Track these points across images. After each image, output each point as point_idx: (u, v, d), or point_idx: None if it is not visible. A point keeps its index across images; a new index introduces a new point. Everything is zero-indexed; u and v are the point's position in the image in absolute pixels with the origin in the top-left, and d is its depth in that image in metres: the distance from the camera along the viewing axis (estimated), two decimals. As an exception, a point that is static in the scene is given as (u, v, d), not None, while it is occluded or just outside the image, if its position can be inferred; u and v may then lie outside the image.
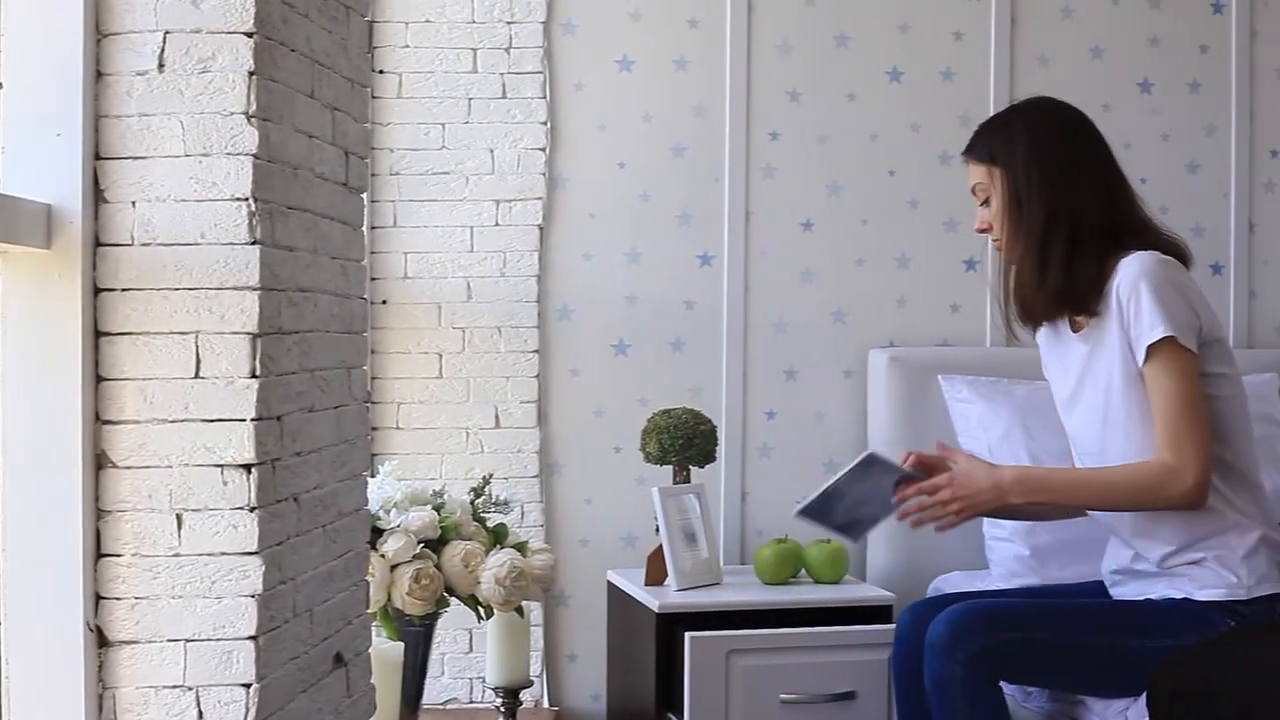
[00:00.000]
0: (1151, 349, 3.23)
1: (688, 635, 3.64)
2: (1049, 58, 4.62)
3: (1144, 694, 3.21)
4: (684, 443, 3.95)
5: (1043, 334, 3.53)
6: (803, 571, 4.06)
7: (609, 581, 4.17)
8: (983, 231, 3.48)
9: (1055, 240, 3.35)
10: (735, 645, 3.67)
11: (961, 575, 4.17)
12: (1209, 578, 3.30)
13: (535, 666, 4.22)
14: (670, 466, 4.00)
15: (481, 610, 3.64)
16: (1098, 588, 3.56)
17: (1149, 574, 3.38)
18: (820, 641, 3.72)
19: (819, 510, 3.32)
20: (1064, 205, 3.36)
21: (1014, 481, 3.29)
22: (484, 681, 4.05)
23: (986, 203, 3.46)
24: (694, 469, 4.02)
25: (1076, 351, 3.42)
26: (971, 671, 3.19)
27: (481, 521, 3.73)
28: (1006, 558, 4.04)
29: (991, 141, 3.46)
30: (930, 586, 4.18)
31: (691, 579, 3.89)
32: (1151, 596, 3.36)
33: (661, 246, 4.41)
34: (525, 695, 3.93)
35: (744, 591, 3.93)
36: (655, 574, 3.93)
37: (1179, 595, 3.32)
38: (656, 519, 3.88)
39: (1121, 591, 3.46)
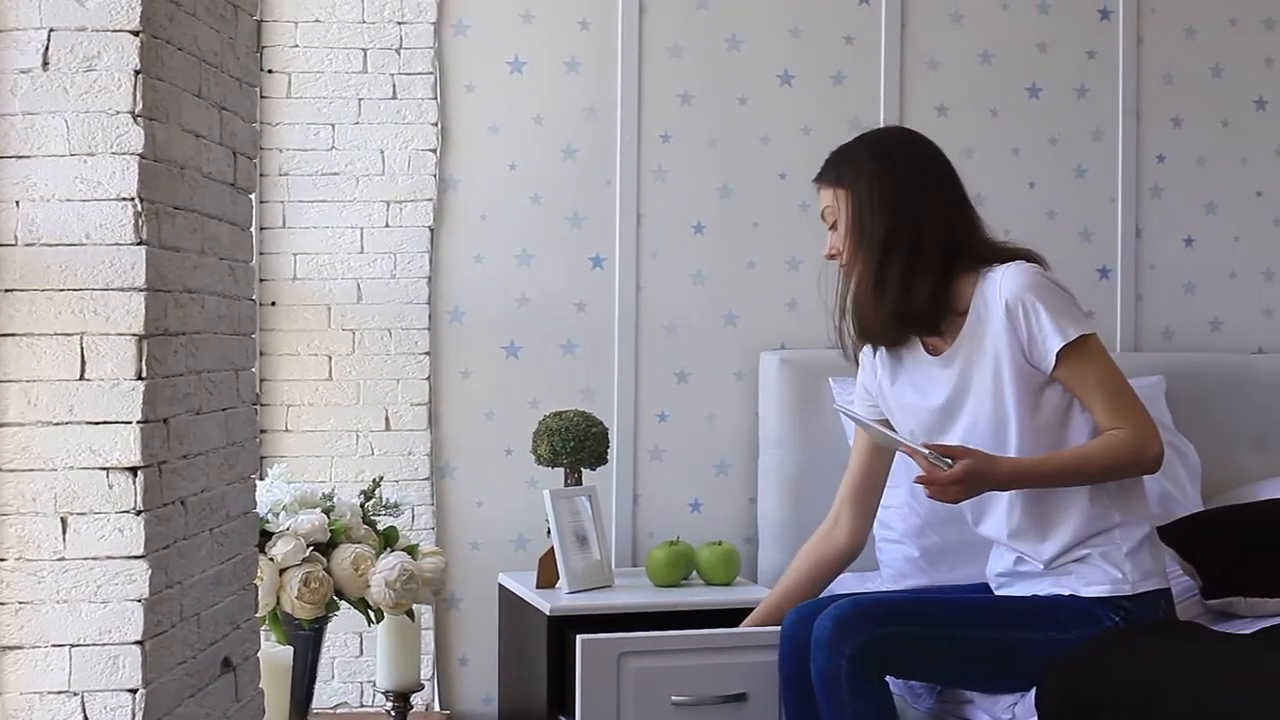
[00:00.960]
0: (1064, 350, 3.29)
1: (579, 638, 3.63)
2: (939, 62, 4.65)
3: (1030, 692, 3.24)
4: (575, 445, 3.94)
5: (881, 360, 3.57)
6: (694, 574, 4.06)
7: (500, 584, 4.16)
8: (831, 258, 3.54)
9: (894, 259, 3.39)
10: (626, 648, 3.66)
11: (852, 576, 4.18)
12: (1094, 574, 3.34)
13: (426, 670, 4.20)
14: (562, 469, 3.99)
15: (372, 614, 3.63)
16: (985, 589, 3.59)
17: (1034, 574, 3.41)
18: (711, 644, 3.71)
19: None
20: (904, 225, 3.40)
21: (1008, 478, 3.32)
22: (374, 685, 4.04)
23: (835, 227, 3.51)
24: (586, 471, 4.01)
25: (936, 376, 3.45)
26: (857, 665, 3.21)
27: (372, 524, 3.71)
28: (896, 559, 4.06)
29: (839, 165, 3.54)
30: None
31: (583, 581, 3.89)
32: (1038, 594, 3.40)
33: (553, 248, 4.41)
34: (416, 699, 3.92)
35: (636, 594, 3.93)
36: (546, 576, 3.92)
37: (1065, 593, 3.36)
38: (548, 521, 3.88)
39: (1007, 592, 3.49)
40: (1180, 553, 3.73)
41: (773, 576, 4.29)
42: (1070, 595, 3.35)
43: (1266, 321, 4.93)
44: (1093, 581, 3.34)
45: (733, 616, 3.83)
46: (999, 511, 3.41)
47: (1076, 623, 3.30)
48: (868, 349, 3.57)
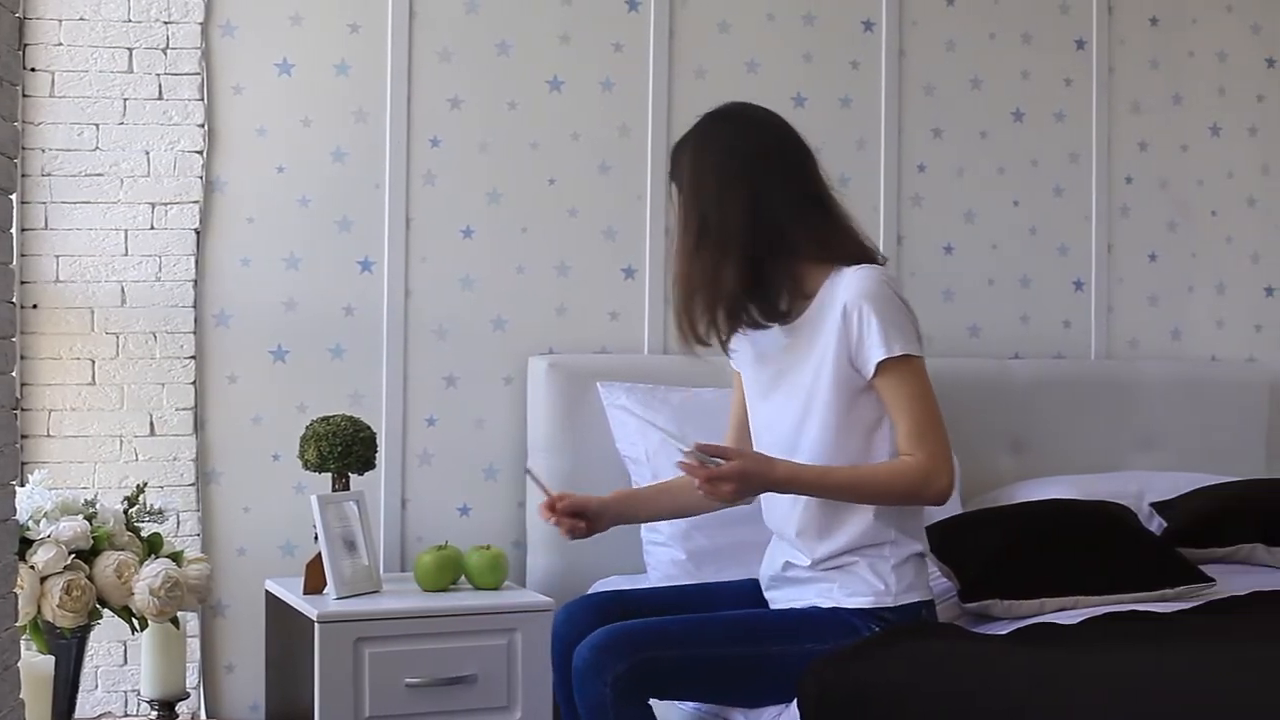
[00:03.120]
0: (885, 362, 3.33)
1: (316, 625, 3.68)
2: (706, 70, 4.70)
3: (793, 703, 3.29)
4: (343, 450, 3.92)
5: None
6: (463, 578, 4.06)
7: (267, 590, 4.12)
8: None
9: (702, 251, 3.39)
10: (363, 633, 3.72)
11: (621, 579, 4.23)
12: (857, 585, 3.40)
13: (192, 678, 4.15)
14: (329, 474, 3.97)
15: (136, 622, 3.59)
16: (752, 585, 3.63)
17: (800, 580, 3.46)
18: (443, 628, 3.80)
19: None
20: (719, 216, 3.39)
21: (783, 481, 3.33)
22: (139, 694, 3.99)
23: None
24: (353, 476, 4.00)
25: (776, 341, 3.49)
26: (619, 691, 3.24)
27: (135, 531, 3.67)
28: (664, 562, 4.10)
29: (674, 161, 3.53)
30: (590, 590, 4.23)
31: (351, 587, 3.87)
32: (798, 605, 3.45)
33: (321, 252, 4.38)
34: (182, 707, 3.87)
35: (404, 599, 3.92)
36: (314, 582, 3.90)
37: (827, 604, 3.41)
38: (315, 527, 3.86)
39: (774, 597, 3.54)
40: (939, 556, 3.81)
41: (542, 580, 4.32)
42: (832, 608, 3.41)
43: (1023, 327, 5.07)
44: (856, 592, 3.40)
45: (501, 620, 3.85)
46: (787, 504, 3.46)
47: (836, 634, 3.35)
48: None
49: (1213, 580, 3.94)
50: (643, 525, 4.16)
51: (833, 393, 3.39)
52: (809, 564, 3.44)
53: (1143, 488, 4.63)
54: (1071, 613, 3.69)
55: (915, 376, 3.38)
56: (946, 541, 3.86)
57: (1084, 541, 3.94)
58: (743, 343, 3.57)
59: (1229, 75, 5.37)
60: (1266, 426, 5.26)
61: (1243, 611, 3.70)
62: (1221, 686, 2.79)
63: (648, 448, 4.18)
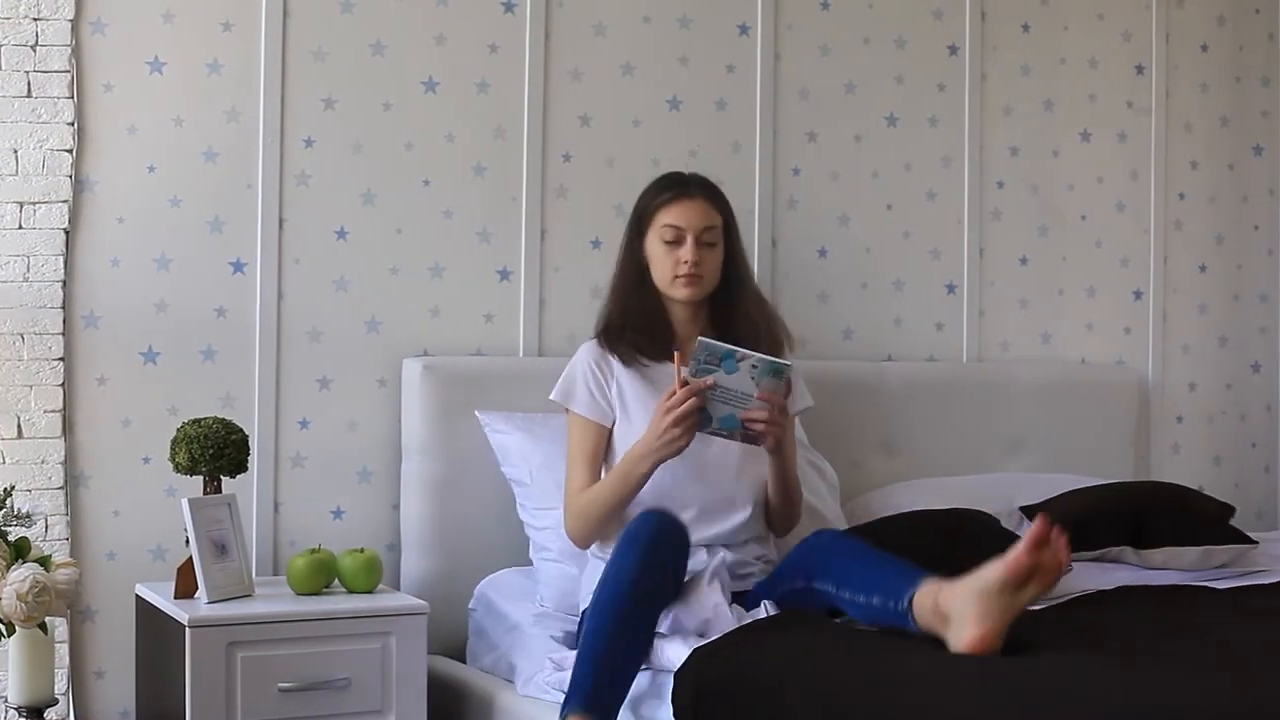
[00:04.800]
0: (799, 411, 4.11)
1: (188, 629, 3.66)
2: (582, 72, 4.70)
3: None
4: (215, 452, 3.89)
5: (625, 374, 3.98)
6: (336, 581, 4.04)
7: (138, 595, 4.08)
8: (693, 265, 3.96)
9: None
10: (234, 638, 3.71)
11: (513, 572, 4.23)
12: None
13: (61, 684, 4.10)
14: (201, 477, 3.94)
15: (3, 628, 3.54)
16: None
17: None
18: (317, 632, 3.80)
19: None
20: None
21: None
22: (6, 701, 3.94)
23: (712, 244, 4.01)
24: (225, 479, 3.96)
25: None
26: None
27: (2, 535, 3.63)
28: (556, 578, 4.08)
29: (717, 194, 4.10)
30: (476, 591, 4.23)
31: (223, 591, 3.84)
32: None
33: (192, 253, 4.33)
34: (51, 714, 3.83)
35: (276, 603, 3.90)
36: (185, 586, 3.86)
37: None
38: (186, 530, 3.82)
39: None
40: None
41: (416, 583, 4.31)
42: None
43: (896, 330, 5.11)
44: None
45: (375, 623, 3.84)
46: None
47: None
48: (608, 358, 3.99)
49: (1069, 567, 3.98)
50: (531, 544, 4.24)
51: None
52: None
53: (1013, 490, 4.68)
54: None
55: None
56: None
57: (938, 539, 4.01)
58: (633, 379, 3.96)
59: (1099, 81, 5.44)
60: (1134, 428, 5.34)
61: (1110, 606, 3.77)
62: (1099, 680, 2.84)
63: (531, 469, 4.20)
